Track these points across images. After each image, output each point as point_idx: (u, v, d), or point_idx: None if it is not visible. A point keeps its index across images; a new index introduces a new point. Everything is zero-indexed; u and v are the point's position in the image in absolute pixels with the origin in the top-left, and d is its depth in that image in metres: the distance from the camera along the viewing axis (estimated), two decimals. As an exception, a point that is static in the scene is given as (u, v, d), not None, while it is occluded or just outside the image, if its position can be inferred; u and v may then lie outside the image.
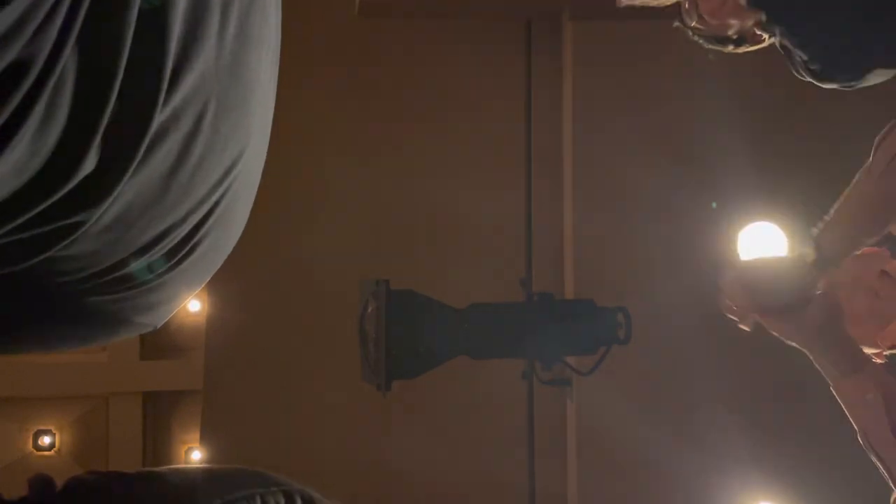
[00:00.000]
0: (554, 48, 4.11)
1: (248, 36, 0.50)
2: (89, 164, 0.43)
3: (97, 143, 0.43)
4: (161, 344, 7.60)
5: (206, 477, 0.57)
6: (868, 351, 1.75)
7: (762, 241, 1.87)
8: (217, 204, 0.54)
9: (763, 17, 1.87)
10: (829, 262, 1.64)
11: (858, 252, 1.78)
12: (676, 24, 2.07)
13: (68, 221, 0.45)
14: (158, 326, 0.61)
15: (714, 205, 3.43)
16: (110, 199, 0.45)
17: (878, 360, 1.77)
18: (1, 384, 6.91)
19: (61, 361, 7.20)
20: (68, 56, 0.40)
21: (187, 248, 0.54)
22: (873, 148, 1.67)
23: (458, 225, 4.03)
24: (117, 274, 0.52)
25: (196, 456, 7.16)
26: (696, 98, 3.75)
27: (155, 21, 0.43)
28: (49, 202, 0.43)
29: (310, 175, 4.07)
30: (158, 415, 7.64)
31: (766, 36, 1.97)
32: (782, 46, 1.90)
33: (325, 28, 4.15)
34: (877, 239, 1.69)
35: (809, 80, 1.90)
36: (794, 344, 1.70)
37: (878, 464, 1.58)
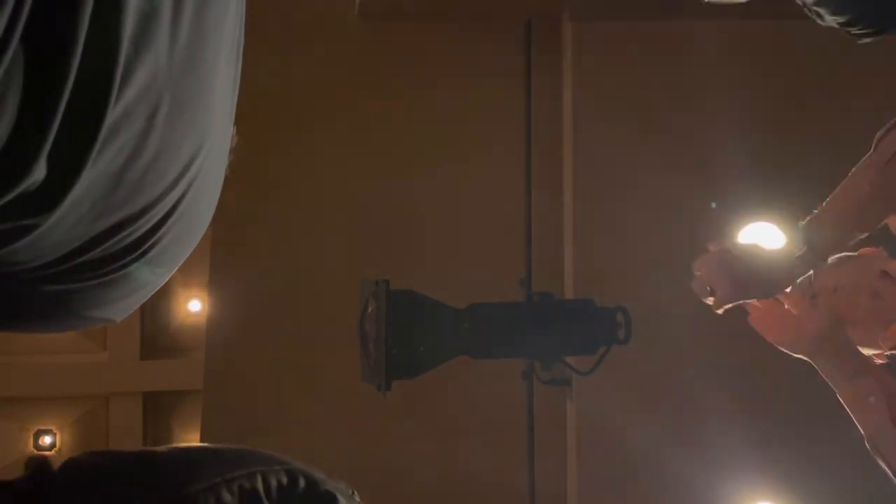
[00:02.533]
0: (554, 48, 4.11)
1: (203, 31, 0.49)
2: (41, 166, 0.43)
3: (49, 144, 0.42)
4: (161, 344, 7.61)
5: (206, 455, 0.56)
6: (869, 352, 1.74)
7: (762, 241, 1.86)
8: (179, 201, 0.53)
9: None
10: (817, 254, 1.64)
11: (857, 253, 1.77)
12: None
13: (22, 223, 0.45)
14: (119, 320, 0.60)
15: (714, 205, 3.43)
16: (65, 202, 0.45)
17: (879, 361, 1.77)
18: (1, 384, 6.92)
19: (61, 362, 7.20)
20: (14, 55, 0.40)
21: (148, 244, 0.53)
22: (874, 143, 1.66)
23: (458, 225, 4.03)
24: (69, 265, 0.51)
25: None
26: (695, 98, 3.75)
27: (106, 20, 0.42)
28: (2, 202, 0.43)
29: (309, 175, 4.07)
30: (158, 415, 7.64)
31: None
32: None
33: (325, 29, 4.15)
34: (866, 235, 1.68)
35: (833, 25, 1.82)
36: (799, 355, 1.69)
37: (884, 466, 1.57)
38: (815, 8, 1.71)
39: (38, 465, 0.52)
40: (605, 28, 3.94)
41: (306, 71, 4.08)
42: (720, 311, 1.73)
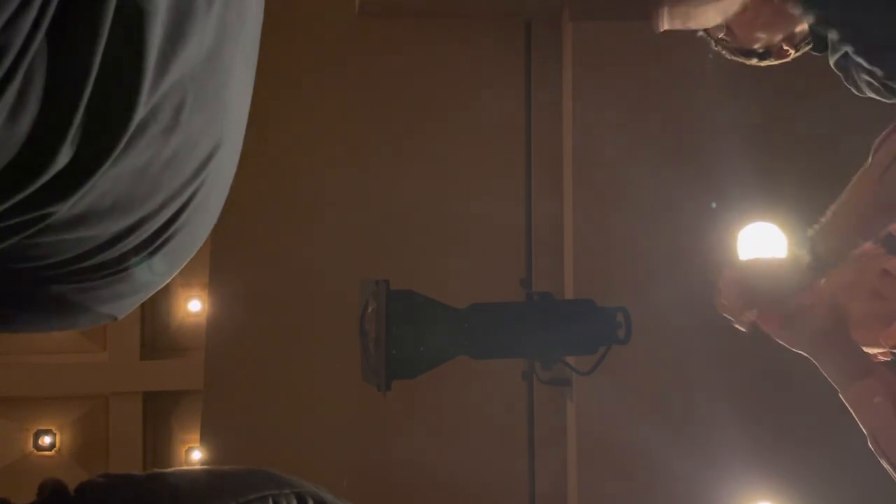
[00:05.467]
0: (554, 48, 4.11)
1: (225, 30, 0.50)
2: (63, 159, 0.43)
3: (70, 137, 0.42)
4: (161, 344, 7.60)
5: (218, 478, 0.57)
6: (870, 350, 1.75)
7: (762, 242, 1.87)
8: (191, 198, 0.53)
9: (810, 20, 1.83)
10: (825, 264, 1.65)
11: (858, 251, 1.78)
12: (700, 33, 2.05)
13: (35, 214, 0.45)
14: (120, 318, 0.60)
15: (714, 205, 3.43)
16: (80, 193, 0.45)
17: (881, 359, 1.77)
18: (1, 384, 6.91)
19: (61, 361, 7.20)
20: (38, 47, 0.40)
21: (160, 241, 0.54)
22: (872, 150, 1.67)
23: (458, 225, 4.03)
24: (84, 264, 0.51)
25: (196, 456, 7.16)
26: (695, 98, 3.75)
27: (138, 18, 0.43)
28: (21, 196, 0.43)
29: (309, 175, 4.07)
30: (158, 415, 7.64)
31: (791, 51, 1.95)
32: (837, 66, 1.86)
33: (325, 28, 4.15)
34: (873, 241, 1.70)
35: (872, 95, 1.84)
36: (800, 351, 1.70)
37: (888, 467, 1.57)
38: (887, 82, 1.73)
39: (52, 488, 0.52)
40: (605, 28, 3.94)
41: (305, 69, 4.08)
42: (744, 329, 1.74)
